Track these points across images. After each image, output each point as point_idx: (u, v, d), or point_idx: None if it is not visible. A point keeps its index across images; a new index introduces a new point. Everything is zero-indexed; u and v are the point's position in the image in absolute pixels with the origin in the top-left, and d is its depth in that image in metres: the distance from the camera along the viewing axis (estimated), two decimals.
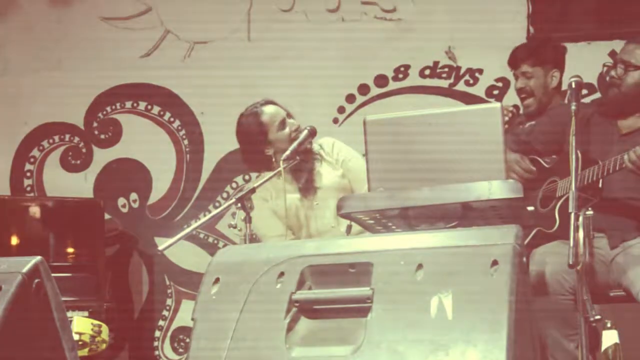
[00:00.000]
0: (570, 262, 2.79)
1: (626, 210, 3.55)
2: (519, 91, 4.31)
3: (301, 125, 4.05)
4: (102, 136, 5.88)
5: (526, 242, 3.54)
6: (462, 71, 5.40)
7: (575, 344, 3.29)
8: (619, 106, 3.63)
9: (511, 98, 5.29)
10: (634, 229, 3.53)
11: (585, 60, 4.75)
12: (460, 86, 5.41)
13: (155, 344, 5.68)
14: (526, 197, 3.70)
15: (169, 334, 5.68)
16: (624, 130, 3.63)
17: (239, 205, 3.61)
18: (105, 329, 3.08)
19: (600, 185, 3.45)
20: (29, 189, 5.91)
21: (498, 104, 2.94)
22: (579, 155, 3.48)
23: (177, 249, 5.10)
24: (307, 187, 4.00)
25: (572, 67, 4.25)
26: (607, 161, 3.38)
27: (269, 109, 4.06)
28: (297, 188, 4.03)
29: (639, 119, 3.63)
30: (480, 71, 5.40)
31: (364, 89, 5.52)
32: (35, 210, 5.43)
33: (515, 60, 4.35)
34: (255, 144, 4.05)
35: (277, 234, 4.00)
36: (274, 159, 3.97)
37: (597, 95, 5.07)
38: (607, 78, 3.68)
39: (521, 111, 4.38)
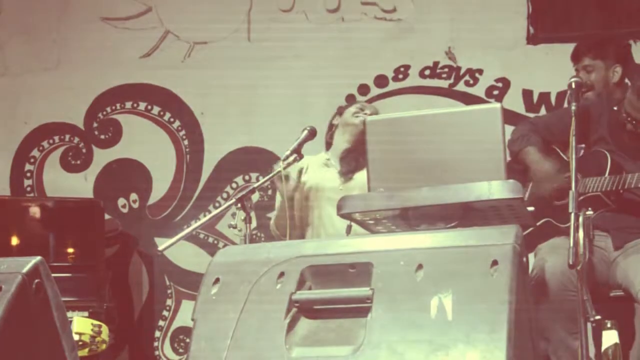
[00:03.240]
0: (571, 262, 2.79)
1: (633, 210, 3.55)
2: (579, 85, 4.26)
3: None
4: (102, 136, 5.88)
5: (527, 232, 3.54)
6: (462, 71, 5.40)
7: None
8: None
9: (511, 98, 5.31)
10: (638, 229, 3.53)
11: None
12: (460, 86, 5.40)
13: (155, 344, 5.68)
14: (540, 188, 3.70)
15: (169, 334, 5.68)
16: None
17: (239, 205, 3.62)
18: (105, 329, 3.08)
19: (622, 191, 3.48)
20: (29, 189, 5.91)
21: (498, 105, 2.94)
22: (608, 156, 3.50)
23: (177, 250, 5.10)
24: (347, 175, 4.05)
25: (572, 67, 4.25)
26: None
27: None
28: (340, 171, 4.15)
29: None
30: (480, 71, 5.40)
31: (364, 89, 5.52)
32: (35, 211, 5.43)
33: (577, 53, 4.26)
34: None
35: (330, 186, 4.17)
36: None
37: None
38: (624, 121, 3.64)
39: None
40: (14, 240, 5.29)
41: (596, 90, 4.17)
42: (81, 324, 3.00)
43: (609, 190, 3.49)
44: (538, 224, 3.68)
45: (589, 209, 3.04)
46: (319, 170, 4.26)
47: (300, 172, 4.20)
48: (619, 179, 3.47)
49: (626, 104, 3.61)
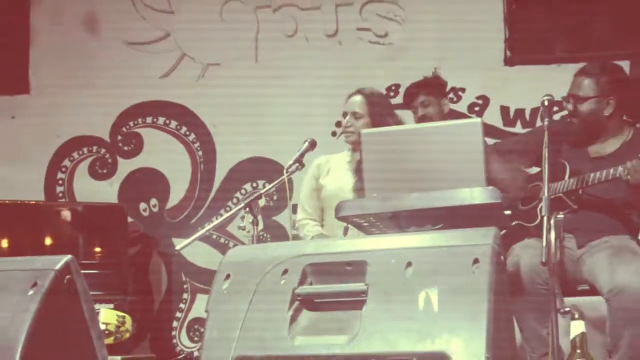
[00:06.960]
0: (544, 260, 2.80)
1: (592, 208, 3.56)
2: (422, 118, 4.36)
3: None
4: (126, 148, 5.89)
5: (503, 232, 3.55)
6: (447, 89, 5.41)
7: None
8: (583, 135, 3.63)
9: (490, 114, 5.32)
10: (599, 229, 3.54)
11: (556, 81, 4.74)
12: None
13: (173, 333, 5.68)
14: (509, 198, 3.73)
15: (185, 324, 5.68)
16: (592, 154, 3.65)
17: (247, 209, 3.62)
18: (128, 319, 3.07)
19: (580, 192, 3.49)
20: (60, 195, 5.91)
21: (478, 119, 2.95)
22: (566, 164, 3.54)
23: (192, 249, 5.09)
24: (359, 192, 4.02)
25: (545, 87, 4.22)
26: (594, 174, 3.41)
27: None
28: (355, 181, 4.04)
29: (603, 145, 3.64)
30: (463, 90, 5.41)
31: None
32: (66, 214, 5.44)
33: (410, 95, 4.43)
34: None
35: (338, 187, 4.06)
36: None
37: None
38: (567, 111, 3.68)
39: None
40: (48, 241, 5.30)
41: (434, 120, 4.29)
42: (107, 315, 3.00)
43: (572, 190, 3.51)
44: (512, 223, 3.70)
45: (560, 212, 3.05)
46: (342, 175, 4.15)
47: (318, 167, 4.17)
48: (581, 179, 3.48)
49: (570, 86, 3.64)
